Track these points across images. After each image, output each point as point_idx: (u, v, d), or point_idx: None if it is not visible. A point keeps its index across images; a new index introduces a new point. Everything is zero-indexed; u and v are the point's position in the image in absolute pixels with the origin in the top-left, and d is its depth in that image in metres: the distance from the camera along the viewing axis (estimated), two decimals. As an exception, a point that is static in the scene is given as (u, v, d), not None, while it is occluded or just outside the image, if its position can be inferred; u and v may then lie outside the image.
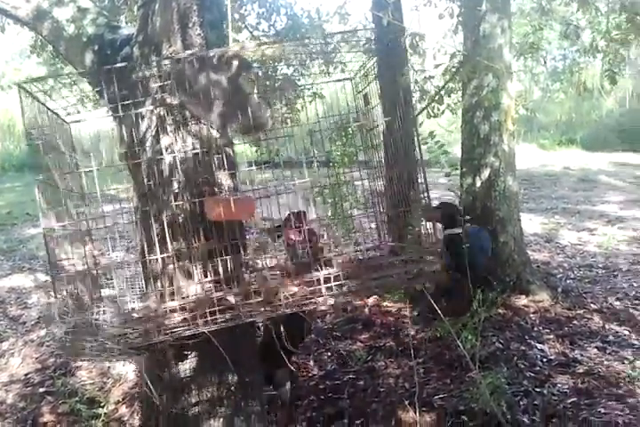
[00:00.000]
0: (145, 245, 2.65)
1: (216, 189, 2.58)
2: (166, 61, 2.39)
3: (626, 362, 3.58)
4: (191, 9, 2.49)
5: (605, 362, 3.60)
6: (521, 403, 3.27)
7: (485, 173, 4.52)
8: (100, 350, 2.14)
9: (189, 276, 2.49)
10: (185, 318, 2.20)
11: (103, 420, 3.52)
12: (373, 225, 2.71)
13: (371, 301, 4.76)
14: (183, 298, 2.40)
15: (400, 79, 4.00)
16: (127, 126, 2.62)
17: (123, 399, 3.81)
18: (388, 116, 2.56)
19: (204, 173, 2.53)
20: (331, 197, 4.94)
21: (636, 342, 3.83)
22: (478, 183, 4.56)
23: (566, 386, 3.39)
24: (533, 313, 4.31)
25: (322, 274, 2.14)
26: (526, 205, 8.12)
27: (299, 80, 5.01)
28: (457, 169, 2.68)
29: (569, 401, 3.23)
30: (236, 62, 2.31)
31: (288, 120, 5.53)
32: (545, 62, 13.29)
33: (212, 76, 2.26)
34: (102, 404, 3.61)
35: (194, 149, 2.49)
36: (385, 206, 2.74)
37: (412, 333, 4.28)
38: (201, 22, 2.53)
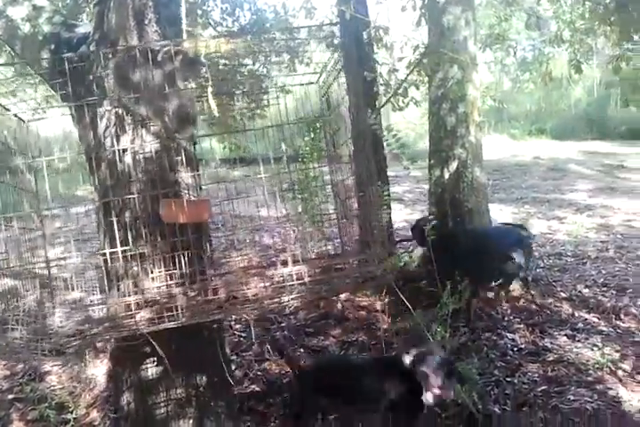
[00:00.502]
0: (106, 245, 2.61)
1: (176, 189, 2.54)
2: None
3: (595, 349, 3.62)
4: (147, 5, 2.43)
5: (575, 349, 3.64)
6: (492, 393, 3.29)
7: (453, 165, 4.52)
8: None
9: (150, 275, 2.46)
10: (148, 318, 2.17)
11: (72, 425, 3.46)
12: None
13: (343, 296, 4.74)
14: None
15: (363, 73, 3.99)
16: (85, 126, 2.58)
17: (93, 403, 3.74)
18: (355, 111, 2.53)
19: (163, 172, 2.49)
20: (300, 193, 4.93)
21: (604, 329, 3.88)
22: (446, 175, 4.57)
23: (536, 375, 3.42)
24: (503, 303, 4.34)
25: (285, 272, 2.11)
26: (497, 196, 8.19)
27: (266, 76, 4.95)
28: (414, 162, 2.68)
29: (539, 389, 3.26)
30: (179, 57, 2.26)
31: (255, 116, 5.49)
32: (515, 53, 13.37)
33: (147, 71, 2.21)
34: (72, 409, 3.53)
35: (153, 147, 2.46)
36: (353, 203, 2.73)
37: (385, 326, 4.28)
38: (157, 19, 2.48)
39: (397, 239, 5.86)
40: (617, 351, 3.58)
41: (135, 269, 2.46)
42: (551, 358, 3.57)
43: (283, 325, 4.49)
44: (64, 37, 2.68)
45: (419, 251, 5.02)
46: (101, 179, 2.52)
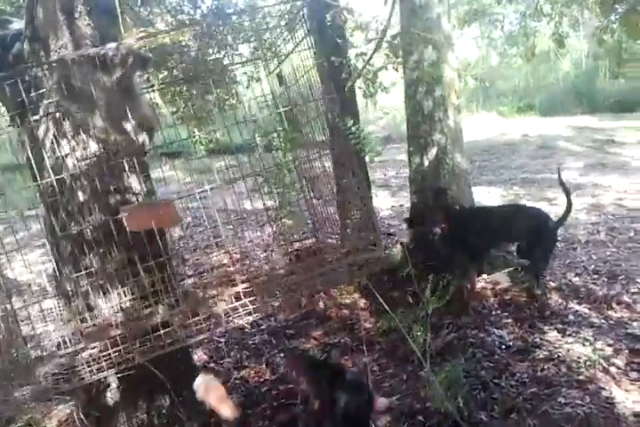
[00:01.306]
0: (55, 264, 2.42)
1: (127, 196, 2.33)
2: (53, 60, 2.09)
3: (586, 344, 3.42)
4: (73, -4, 2.19)
5: (565, 345, 3.44)
6: (478, 397, 3.09)
7: (432, 152, 4.28)
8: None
9: (106, 295, 2.26)
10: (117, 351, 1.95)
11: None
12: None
13: (324, 294, 4.54)
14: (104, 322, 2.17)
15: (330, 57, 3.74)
16: (25, 133, 2.36)
17: (66, 420, 3.55)
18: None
19: (111, 179, 2.27)
20: (276, 186, 4.69)
21: (596, 321, 3.67)
22: (426, 162, 4.33)
23: (525, 375, 3.21)
24: (491, 297, 4.14)
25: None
26: (485, 178, 7.98)
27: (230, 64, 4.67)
28: (379, 154, 2.47)
29: (528, 392, 3.05)
30: (130, 59, 2.00)
31: (226, 107, 5.23)
32: (502, 27, 13.04)
33: (96, 78, 1.96)
34: None
35: (96, 154, 2.23)
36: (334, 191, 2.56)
37: (368, 326, 4.08)
38: (89, 11, 2.24)
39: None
40: (609, 346, 3.38)
41: (84, 288, 2.26)
42: (541, 356, 3.37)
43: (262, 327, 4.29)
44: (-3, 36, 2.44)
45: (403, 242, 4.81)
46: (44, 190, 2.31)
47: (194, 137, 5.08)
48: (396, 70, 4.75)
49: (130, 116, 1.86)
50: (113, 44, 1.85)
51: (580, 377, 3.12)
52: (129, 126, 1.86)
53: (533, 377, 3.18)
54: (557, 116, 12.04)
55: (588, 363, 3.22)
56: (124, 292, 2.19)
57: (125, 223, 2.01)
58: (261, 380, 3.65)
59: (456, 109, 4.28)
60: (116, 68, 1.83)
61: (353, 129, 2.84)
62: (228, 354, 3.97)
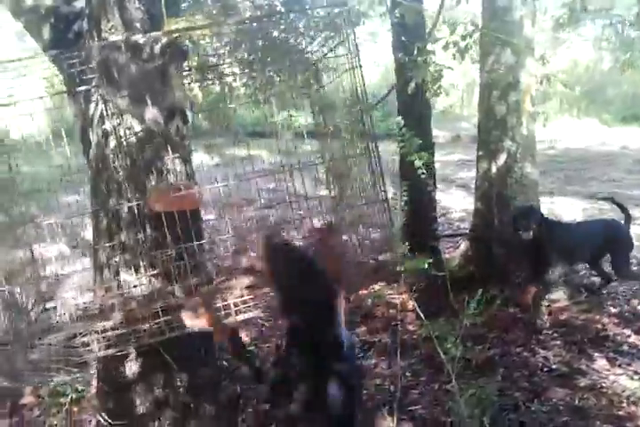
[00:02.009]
0: (94, 236, 2.54)
1: (165, 177, 2.40)
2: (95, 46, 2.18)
3: (635, 378, 3.21)
4: (124, -19, 2.26)
5: (612, 376, 3.24)
6: (507, 418, 2.98)
7: (502, 158, 4.12)
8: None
9: (136, 270, 2.35)
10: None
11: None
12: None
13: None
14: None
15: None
16: (77, 107, 2.49)
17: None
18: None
19: (150, 160, 2.35)
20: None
21: (652, 354, 3.44)
22: (494, 169, 4.18)
23: (562, 402, 3.06)
24: (546, 314, 3.96)
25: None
26: (571, 188, 7.59)
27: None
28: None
29: (560, 420, 2.91)
30: (168, 50, 2.07)
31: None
32: (622, 30, 12.18)
33: (134, 65, 2.03)
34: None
35: (138, 133, 2.32)
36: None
37: (412, 329, 4.02)
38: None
39: (444, 234, 5.55)
40: (660, 383, 3.16)
41: (116, 261, 2.37)
42: (582, 384, 3.19)
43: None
44: (62, 12, 2.56)
45: (462, 248, 4.69)
46: (90, 164, 2.44)
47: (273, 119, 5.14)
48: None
49: (162, 103, 1.92)
50: (154, 34, 1.90)
51: (620, 413, 2.94)
52: (159, 112, 1.92)
53: (569, 405, 3.03)
54: (666, 129, 11.25)
55: (632, 399, 3.02)
56: (150, 270, 2.27)
57: (148, 203, 2.09)
58: (296, 370, 3.68)
59: (531, 117, 4.10)
60: (154, 58, 1.88)
61: (402, 131, 2.80)
62: (269, 339, 4.03)
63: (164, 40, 1.91)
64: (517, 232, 3.83)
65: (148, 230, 2.29)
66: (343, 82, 2.21)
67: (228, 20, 2.49)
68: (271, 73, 4.27)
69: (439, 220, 6.25)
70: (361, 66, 1.98)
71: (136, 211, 2.27)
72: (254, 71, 3.54)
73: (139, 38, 1.93)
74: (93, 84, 2.26)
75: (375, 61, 12.32)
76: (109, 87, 1.98)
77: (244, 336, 4.07)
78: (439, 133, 11.51)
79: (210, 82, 3.64)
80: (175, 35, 1.85)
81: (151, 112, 2.00)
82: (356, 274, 2.08)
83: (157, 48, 1.88)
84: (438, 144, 10.70)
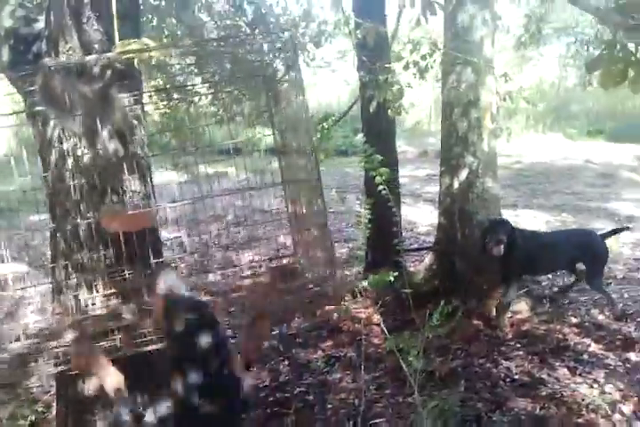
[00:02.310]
0: (52, 255, 2.53)
1: (123, 197, 2.41)
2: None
3: (595, 386, 3.29)
4: (82, 3, 2.30)
5: (572, 385, 3.32)
6: (469, 429, 3.03)
7: (463, 174, 4.22)
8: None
9: (92, 290, 2.35)
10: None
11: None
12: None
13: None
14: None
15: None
16: (35, 128, 2.49)
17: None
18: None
19: (107, 179, 2.36)
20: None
21: (611, 363, 3.52)
22: (456, 184, 4.27)
23: (523, 412, 3.12)
24: (509, 325, 4.03)
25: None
26: (536, 201, 7.75)
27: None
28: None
29: (520, 430, 2.98)
30: (108, 72, 2.10)
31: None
32: (587, 48, 12.51)
33: (76, 87, 2.06)
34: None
35: (94, 153, 2.33)
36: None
37: (377, 342, 4.06)
38: (97, 16, 2.35)
39: (410, 248, 5.62)
40: (619, 390, 3.24)
41: (74, 280, 2.36)
42: (544, 394, 3.26)
43: (273, 333, 4.33)
44: (22, 33, 2.57)
45: (427, 261, 4.75)
46: (47, 183, 2.45)
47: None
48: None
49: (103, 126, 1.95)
50: (93, 56, 1.94)
51: (579, 420, 3.01)
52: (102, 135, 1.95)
53: (530, 415, 3.09)
54: (627, 144, 11.54)
55: (592, 407, 3.09)
56: (106, 290, 2.27)
57: (101, 222, 2.11)
58: (261, 386, 3.69)
59: (492, 133, 4.21)
60: (95, 80, 1.92)
61: (363, 147, 2.87)
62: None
63: (103, 62, 1.94)
64: (487, 246, 3.90)
65: (104, 250, 2.30)
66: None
67: (185, 42, 2.52)
68: (236, 92, 4.34)
69: (406, 234, 6.35)
70: (303, 94, 1.99)
71: (93, 230, 2.28)
72: (219, 91, 3.59)
73: (75, 60, 1.97)
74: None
75: (345, 79, 12.47)
76: (53, 109, 2.00)
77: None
78: (407, 149, 11.68)
79: (176, 101, 3.67)
80: (124, 56, 1.87)
81: (100, 134, 2.03)
82: (299, 301, 2.08)
83: (96, 70, 1.92)
84: (407, 159, 10.95)
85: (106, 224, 2.12)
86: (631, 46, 1.60)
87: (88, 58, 1.91)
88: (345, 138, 7.32)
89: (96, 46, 2.33)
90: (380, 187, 2.92)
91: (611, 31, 1.56)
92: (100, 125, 1.93)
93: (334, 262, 2.01)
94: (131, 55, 1.86)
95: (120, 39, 2.38)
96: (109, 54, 1.90)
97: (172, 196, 2.67)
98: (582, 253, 4.15)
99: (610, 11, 1.59)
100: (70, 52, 2.30)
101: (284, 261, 2.42)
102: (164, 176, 3.13)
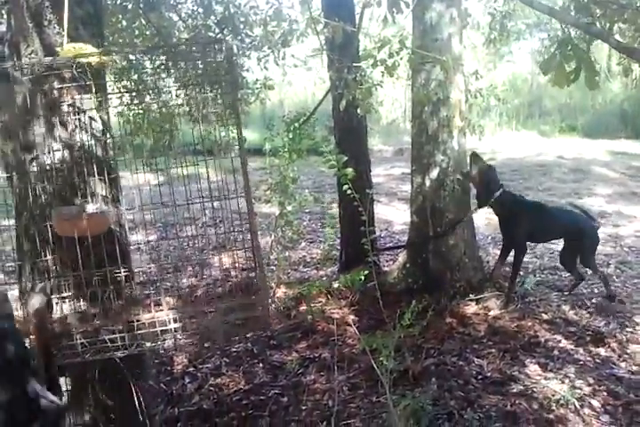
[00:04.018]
0: (18, 258, 2.49)
1: (90, 200, 2.37)
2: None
3: (565, 381, 3.32)
4: (42, 6, 2.26)
5: (543, 381, 3.34)
6: (441, 427, 3.04)
7: (434, 172, 4.23)
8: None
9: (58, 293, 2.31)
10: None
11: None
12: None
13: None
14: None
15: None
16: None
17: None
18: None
19: (71, 183, 2.32)
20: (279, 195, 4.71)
21: (581, 358, 3.56)
22: (427, 182, 4.28)
23: (494, 408, 3.13)
24: (480, 323, 4.05)
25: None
26: (509, 199, 7.79)
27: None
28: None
29: (492, 426, 2.99)
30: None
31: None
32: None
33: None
34: None
35: (62, 155, 2.30)
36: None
37: (352, 343, 4.05)
38: (58, 20, 2.31)
39: (385, 246, 5.63)
40: (589, 385, 3.28)
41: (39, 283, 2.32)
42: (515, 390, 3.28)
43: (247, 336, 4.30)
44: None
45: (401, 260, 4.76)
46: (14, 189, 2.41)
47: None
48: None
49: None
50: (22, 61, 1.91)
51: (550, 416, 3.04)
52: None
53: (502, 412, 3.10)
54: (599, 139, 11.72)
55: (562, 402, 3.12)
56: (70, 293, 2.24)
57: (54, 226, 2.07)
58: (235, 389, 3.66)
59: (461, 131, 4.22)
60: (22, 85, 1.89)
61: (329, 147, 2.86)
62: (208, 360, 4.00)
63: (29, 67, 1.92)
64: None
65: (68, 253, 2.26)
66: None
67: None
68: (207, 92, 4.31)
69: (382, 233, 6.36)
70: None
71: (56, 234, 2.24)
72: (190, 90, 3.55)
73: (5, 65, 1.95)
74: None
75: (321, 77, 12.46)
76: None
77: (182, 358, 4.03)
78: (383, 148, 11.73)
79: (149, 101, 3.62)
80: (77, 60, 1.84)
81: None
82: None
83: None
84: (382, 158, 10.98)
85: (56, 227, 2.08)
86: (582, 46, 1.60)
87: (11, 63, 1.88)
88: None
89: (58, 49, 2.29)
90: (345, 186, 2.90)
91: (564, 30, 1.56)
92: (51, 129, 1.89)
93: (265, 285, 2.01)
94: (82, 59, 1.83)
95: (84, 42, 2.35)
96: (57, 58, 1.86)
97: (146, 199, 2.63)
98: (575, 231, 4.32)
99: (564, 10, 1.59)
100: (32, 55, 2.27)
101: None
102: (139, 178, 3.09)
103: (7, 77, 2.03)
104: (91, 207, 2.17)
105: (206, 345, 4.11)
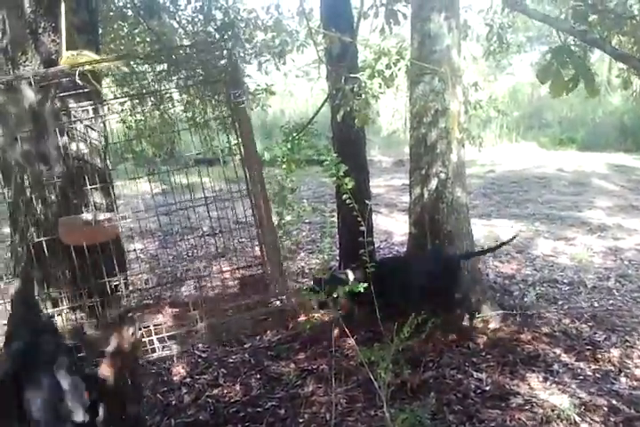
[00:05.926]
0: (14, 268, 2.47)
1: (86, 210, 2.35)
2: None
3: (565, 395, 3.28)
4: (37, 13, 2.25)
5: (543, 395, 3.30)
6: (439, 442, 3.00)
7: (432, 184, 4.21)
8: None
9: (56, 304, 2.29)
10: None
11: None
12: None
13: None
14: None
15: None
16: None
17: None
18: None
19: (67, 193, 2.30)
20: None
21: (581, 372, 3.52)
22: (426, 194, 4.26)
23: (493, 423, 3.09)
24: (479, 336, 4.02)
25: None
26: (509, 211, 7.80)
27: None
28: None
29: (491, 441, 2.95)
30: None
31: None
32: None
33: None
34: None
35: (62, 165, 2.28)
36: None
37: (352, 355, 4.01)
38: (54, 27, 2.30)
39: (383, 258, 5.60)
40: (589, 400, 3.23)
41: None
42: (514, 404, 3.24)
43: (245, 346, 4.26)
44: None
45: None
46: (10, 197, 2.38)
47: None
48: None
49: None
50: (23, 72, 1.90)
51: (549, 431, 3.00)
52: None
53: (501, 426, 3.06)
54: (598, 152, 11.73)
55: (562, 416, 3.08)
56: (68, 303, 2.21)
57: (60, 235, 2.05)
58: (232, 400, 3.62)
59: (460, 143, 4.21)
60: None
61: (328, 156, 2.84)
62: (205, 371, 3.96)
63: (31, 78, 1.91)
64: None
65: (65, 263, 2.24)
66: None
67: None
68: (209, 97, 4.31)
69: (381, 244, 6.34)
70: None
71: (53, 244, 2.22)
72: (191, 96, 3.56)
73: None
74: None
75: (322, 88, 12.53)
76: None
77: (179, 368, 3.99)
78: (383, 159, 11.73)
79: (150, 107, 3.62)
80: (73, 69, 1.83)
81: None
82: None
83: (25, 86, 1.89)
84: (383, 169, 10.98)
85: (63, 237, 2.06)
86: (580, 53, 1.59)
87: (11, 74, 1.87)
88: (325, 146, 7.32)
89: (54, 57, 2.28)
90: (345, 196, 2.89)
91: (560, 38, 1.55)
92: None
93: (284, 280, 1.99)
94: (80, 67, 1.82)
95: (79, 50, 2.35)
96: (59, 67, 1.85)
97: (146, 207, 2.61)
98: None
99: (560, 18, 1.59)
100: (27, 63, 2.26)
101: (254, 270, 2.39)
102: (139, 187, 3.08)
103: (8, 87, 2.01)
104: (100, 215, 2.15)
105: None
